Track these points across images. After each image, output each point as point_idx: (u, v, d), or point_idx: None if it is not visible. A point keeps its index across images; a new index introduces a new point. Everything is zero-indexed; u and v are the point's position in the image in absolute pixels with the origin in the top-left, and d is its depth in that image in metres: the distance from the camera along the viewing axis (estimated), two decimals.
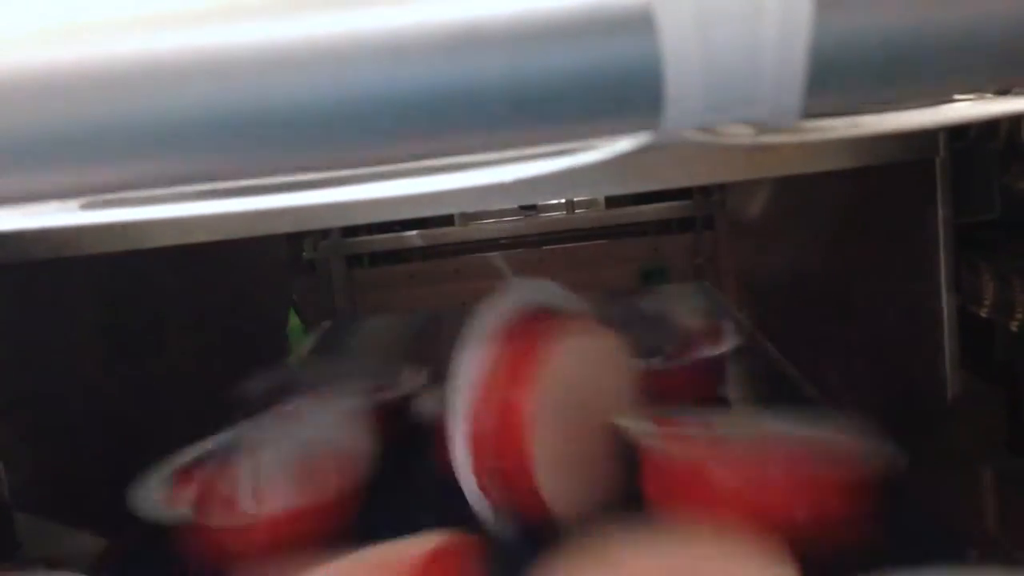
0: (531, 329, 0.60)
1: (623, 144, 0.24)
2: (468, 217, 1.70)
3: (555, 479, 0.57)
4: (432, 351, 1.19)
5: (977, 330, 0.66)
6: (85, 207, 0.28)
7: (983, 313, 0.63)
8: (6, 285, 0.65)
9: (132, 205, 0.27)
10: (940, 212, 0.63)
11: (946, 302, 0.64)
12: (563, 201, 1.73)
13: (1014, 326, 0.60)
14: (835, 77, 0.21)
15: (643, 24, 0.20)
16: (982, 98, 0.28)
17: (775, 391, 0.89)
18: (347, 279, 1.59)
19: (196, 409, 0.85)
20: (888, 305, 0.74)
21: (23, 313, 0.68)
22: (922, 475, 0.69)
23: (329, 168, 0.22)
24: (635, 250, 1.60)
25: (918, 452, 0.71)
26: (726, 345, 0.80)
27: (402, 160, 0.23)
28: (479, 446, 0.56)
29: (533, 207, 1.84)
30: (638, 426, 0.57)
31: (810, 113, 0.23)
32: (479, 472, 0.56)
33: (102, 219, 0.28)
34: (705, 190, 1.56)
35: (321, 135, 0.21)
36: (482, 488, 0.56)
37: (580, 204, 1.77)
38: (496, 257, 1.60)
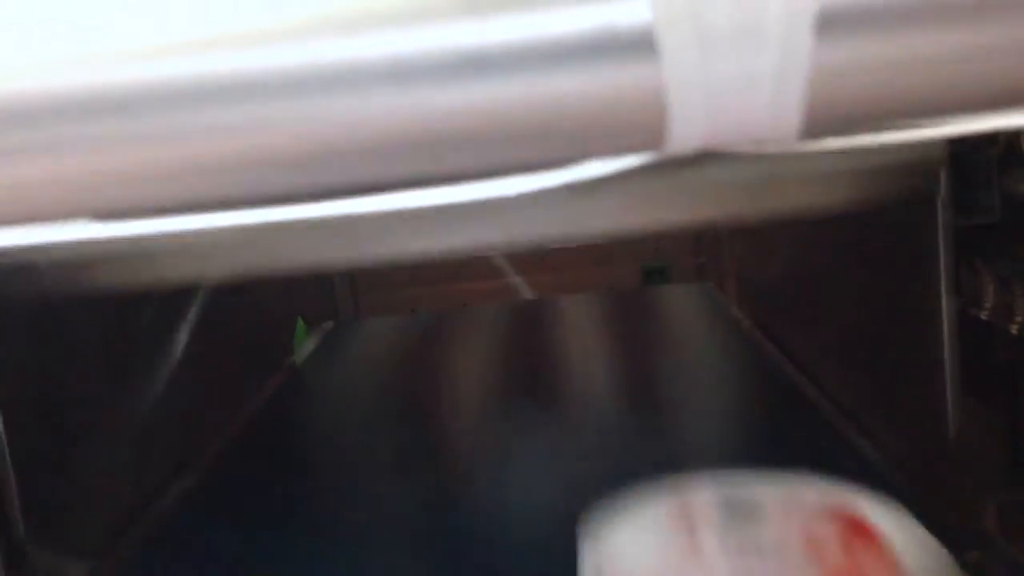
0: None
1: (628, 160, 0.25)
2: None
3: None
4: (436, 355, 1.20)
5: (977, 334, 0.67)
6: (97, 219, 0.28)
7: (983, 315, 0.63)
8: (19, 320, 0.65)
9: (145, 217, 0.28)
10: (941, 218, 0.64)
11: (946, 306, 0.64)
12: None
13: (1014, 329, 0.60)
14: (834, 99, 0.21)
15: (646, 48, 0.21)
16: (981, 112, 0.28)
17: None
18: (348, 279, 1.60)
19: (199, 419, 0.85)
20: (888, 308, 0.75)
21: (40, 351, 0.68)
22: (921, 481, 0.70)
23: (334, 192, 0.23)
24: (636, 249, 1.61)
25: (916, 455, 0.71)
26: None
27: (408, 183, 0.23)
28: None
29: None
30: None
31: (809, 132, 0.23)
32: None
33: (115, 232, 0.28)
34: None
35: (326, 160, 0.21)
36: None
37: None
38: (497, 256, 1.60)
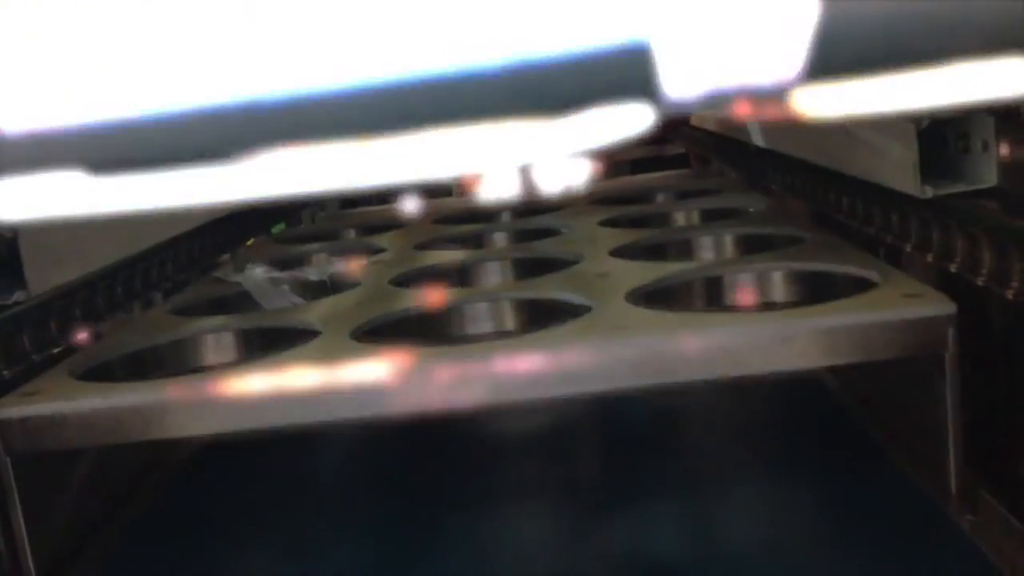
0: None
1: (625, 129, 0.24)
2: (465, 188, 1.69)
3: None
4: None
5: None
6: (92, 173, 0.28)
7: (980, 282, 0.63)
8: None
9: (140, 170, 0.28)
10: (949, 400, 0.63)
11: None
12: None
13: (1010, 294, 0.60)
14: (834, 54, 0.21)
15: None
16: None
17: None
18: None
19: None
20: None
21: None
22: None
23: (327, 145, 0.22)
24: None
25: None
26: None
27: (408, 128, 0.23)
28: None
29: None
30: None
31: (813, 76, 0.23)
32: None
33: (107, 192, 0.28)
34: (705, 161, 1.56)
35: (318, 114, 0.21)
36: None
37: None
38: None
